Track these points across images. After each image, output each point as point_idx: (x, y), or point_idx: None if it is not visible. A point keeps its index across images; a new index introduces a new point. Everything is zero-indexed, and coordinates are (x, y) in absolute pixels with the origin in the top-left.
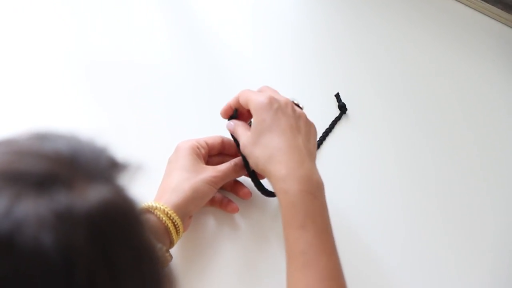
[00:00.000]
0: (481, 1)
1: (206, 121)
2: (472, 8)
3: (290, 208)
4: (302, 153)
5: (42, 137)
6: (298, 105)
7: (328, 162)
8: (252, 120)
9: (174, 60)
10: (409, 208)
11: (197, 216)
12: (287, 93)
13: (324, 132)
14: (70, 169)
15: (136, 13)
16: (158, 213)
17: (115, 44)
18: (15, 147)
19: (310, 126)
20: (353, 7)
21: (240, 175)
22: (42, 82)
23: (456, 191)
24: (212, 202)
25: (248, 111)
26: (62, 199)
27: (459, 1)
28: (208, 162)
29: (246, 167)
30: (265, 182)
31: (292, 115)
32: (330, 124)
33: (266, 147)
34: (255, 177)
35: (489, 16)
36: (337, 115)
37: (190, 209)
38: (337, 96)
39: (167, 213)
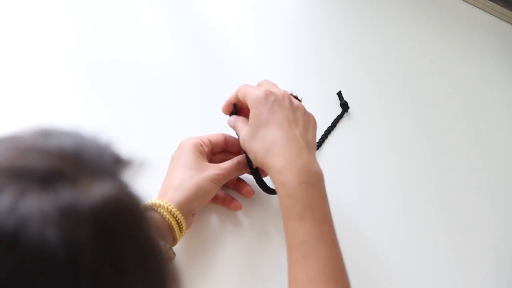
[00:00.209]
0: None
1: (208, 119)
2: (474, 5)
3: (288, 200)
4: (299, 144)
5: (46, 134)
6: (296, 97)
7: (330, 160)
8: (250, 115)
9: (177, 58)
10: (410, 206)
11: (200, 213)
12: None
13: (326, 130)
14: (74, 166)
15: (138, 12)
16: (161, 210)
17: (119, 43)
18: (19, 143)
19: (308, 117)
20: (355, 5)
21: (243, 173)
22: (46, 80)
23: (457, 189)
24: (215, 199)
25: (248, 106)
26: (66, 196)
27: None
28: (211, 160)
29: (249, 165)
30: (267, 180)
31: (289, 107)
32: (332, 122)
33: (264, 141)
34: (258, 174)
35: (490, 14)
36: (339, 113)
37: (193, 207)
38: (339, 94)
39: (171, 210)
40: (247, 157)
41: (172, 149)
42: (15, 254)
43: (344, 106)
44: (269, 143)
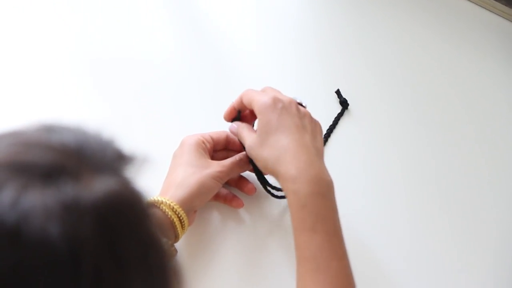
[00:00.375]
0: None
1: (210, 116)
2: (474, 3)
3: (300, 210)
4: (310, 152)
5: (49, 129)
6: (301, 104)
7: (333, 158)
8: (257, 122)
9: (179, 56)
10: (412, 203)
11: (201, 211)
12: (290, 89)
13: (328, 129)
14: (77, 161)
15: (142, 10)
16: (164, 207)
17: (122, 41)
18: (22, 138)
19: (315, 124)
20: (356, 4)
21: (245, 170)
22: (49, 77)
23: (458, 184)
24: (217, 197)
25: (252, 112)
26: (68, 191)
27: None
28: (212, 157)
29: (252, 165)
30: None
31: (297, 114)
32: (334, 121)
33: (274, 148)
34: (261, 175)
35: (491, 12)
36: (339, 111)
37: (196, 204)
38: (338, 92)
39: (173, 207)
40: (252, 163)
41: (174, 146)
42: (17, 248)
43: (344, 104)
44: (280, 151)
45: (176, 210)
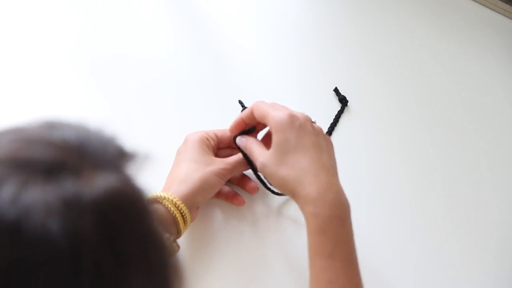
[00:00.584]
0: None
1: (211, 114)
2: (476, 1)
3: (319, 234)
4: (329, 173)
5: (50, 126)
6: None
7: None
8: (272, 138)
9: (180, 54)
10: (413, 199)
11: (203, 208)
12: (290, 87)
13: (329, 127)
14: (78, 157)
15: (142, 9)
16: (166, 203)
17: (124, 38)
18: (23, 135)
19: (328, 141)
20: (356, 2)
21: (248, 169)
22: (51, 74)
23: (460, 179)
24: (219, 194)
25: (262, 126)
26: (69, 187)
27: None
28: (216, 155)
29: (250, 165)
30: None
31: (313, 132)
32: (334, 118)
33: (293, 168)
34: (261, 178)
35: (493, 10)
36: (339, 109)
37: (198, 200)
38: (336, 90)
39: (175, 203)
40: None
41: (175, 143)
42: (17, 244)
43: (343, 101)
44: (299, 172)
45: (178, 206)
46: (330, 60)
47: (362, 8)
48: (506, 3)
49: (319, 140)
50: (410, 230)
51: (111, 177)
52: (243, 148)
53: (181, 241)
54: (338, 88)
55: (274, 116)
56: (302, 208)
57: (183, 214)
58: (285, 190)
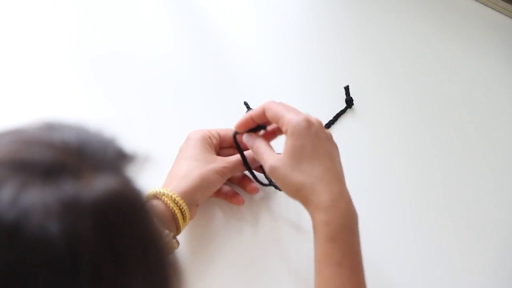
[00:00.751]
0: None
1: (212, 114)
2: (477, 1)
3: (328, 242)
4: (341, 182)
5: (50, 127)
6: None
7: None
8: (286, 141)
9: (180, 54)
10: (414, 200)
11: (203, 206)
12: (291, 87)
13: (326, 124)
14: (77, 159)
15: (142, 8)
16: (166, 199)
17: (123, 37)
18: (23, 136)
19: (336, 148)
20: (358, 1)
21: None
22: (51, 74)
23: (462, 184)
24: (218, 193)
25: (275, 128)
26: (68, 189)
27: None
28: (218, 154)
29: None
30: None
31: (327, 138)
32: (334, 117)
33: (307, 175)
34: (251, 169)
35: (494, 9)
36: (342, 108)
37: (198, 197)
38: (346, 88)
39: (175, 199)
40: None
41: (176, 143)
42: (16, 245)
43: (349, 102)
44: (313, 179)
45: (178, 202)
46: (331, 60)
47: (363, 8)
48: (507, 2)
49: (332, 148)
50: (410, 229)
51: (111, 179)
52: (249, 147)
53: (180, 240)
54: (338, 87)
55: (291, 120)
56: (312, 215)
57: (182, 210)
58: (296, 195)
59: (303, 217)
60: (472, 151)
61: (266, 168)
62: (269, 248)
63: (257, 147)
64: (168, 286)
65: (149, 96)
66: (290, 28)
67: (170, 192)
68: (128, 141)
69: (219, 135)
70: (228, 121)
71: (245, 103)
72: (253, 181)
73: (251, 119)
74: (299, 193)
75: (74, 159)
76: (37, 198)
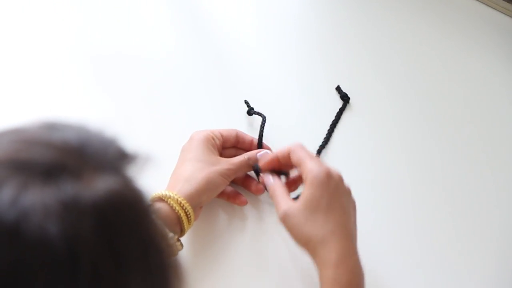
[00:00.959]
0: None
1: (213, 114)
2: (478, 0)
3: None
4: (353, 240)
5: (51, 127)
6: None
7: (337, 153)
8: (304, 190)
9: (182, 53)
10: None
11: (207, 207)
12: (292, 86)
13: (331, 124)
14: (78, 159)
15: (143, 8)
16: (171, 202)
17: (125, 37)
18: (23, 136)
19: (354, 204)
20: (359, 0)
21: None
22: (52, 74)
23: (462, 178)
24: (221, 194)
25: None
26: (68, 189)
27: None
28: (221, 154)
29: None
30: None
31: (345, 193)
32: (336, 116)
33: (320, 228)
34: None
35: (494, 9)
36: (340, 106)
37: (202, 200)
38: (338, 88)
39: (180, 202)
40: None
41: (178, 143)
42: (15, 246)
43: (344, 98)
44: (325, 233)
45: (183, 205)
46: (332, 58)
47: (364, 7)
48: (508, 2)
49: (348, 204)
50: (411, 227)
51: (111, 180)
52: (267, 186)
53: (184, 241)
54: (340, 86)
55: (312, 169)
56: (320, 269)
57: (188, 213)
58: (305, 246)
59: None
60: (472, 148)
61: (279, 213)
62: (272, 249)
63: (273, 189)
64: (168, 287)
65: (150, 96)
66: (291, 28)
67: (175, 195)
68: (129, 141)
69: (221, 135)
70: (230, 121)
71: (246, 102)
72: (258, 181)
73: (277, 159)
74: (308, 245)
75: (75, 159)
76: (37, 198)
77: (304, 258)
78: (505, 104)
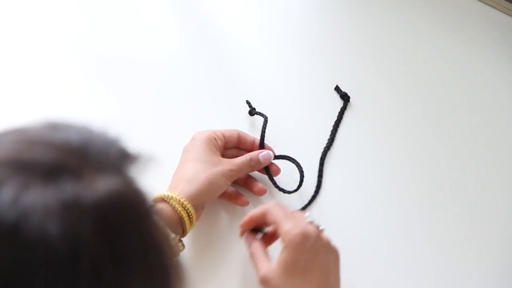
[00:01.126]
0: None
1: (215, 114)
2: (480, 0)
3: None
4: None
5: (53, 127)
6: (318, 227)
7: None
8: (281, 253)
9: (184, 54)
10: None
11: (208, 207)
12: (293, 86)
13: (334, 125)
14: (80, 159)
15: (146, 9)
16: (173, 203)
17: (127, 39)
18: (25, 136)
19: (335, 255)
20: (361, 0)
21: (254, 170)
22: (54, 74)
23: (463, 177)
24: (223, 194)
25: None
26: (69, 189)
27: None
28: (223, 155)
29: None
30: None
31: (323, 250)
32: (338, 116)
33: None
34: (270, 174)
35: (497, 9)
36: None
37: (204, 200)
38: (337, 88)
39: (182, 203)
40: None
41: (180, 144)
42: (15, 246)
43: (344, 97)
44: None
45: (185, 206)
46: (333, 58)
47: (366, 7)
48: (509, 2)
49: (328, 259)
50: (414, 226)
51: (113, 180)
52: (247, 247)
53: (185, 241)
54: (339, 86)
55: (288, 232)
56: None
57: (189, 214)
58: None
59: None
60: (474, 147)
61: (259, 276)
62: (274, 249)
63: (252, 252)
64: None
65: (152, 96)
66: (292, 28)
67: (177, 195)
68: (132, 142)
69: (223, 136)
70: (231, 122)
71: (247, 102)
72: (259, 182)
73: (251, 220)
74: None
75: (76, 160)
76: (38, 198)
77: None
78: (506, 103)
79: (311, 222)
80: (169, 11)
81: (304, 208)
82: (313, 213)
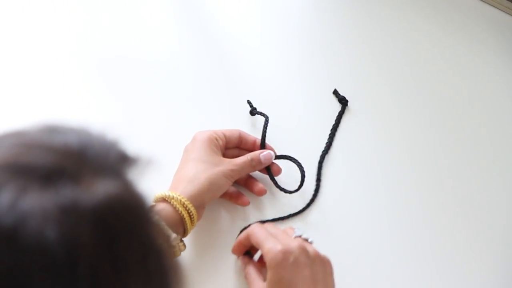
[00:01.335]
0: None
1: (215, 114)
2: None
3: None
4: None
5: (52, 130)
6: (307, 240)
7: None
8: (267, 273)
9: (183, 53)
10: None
11: (209, 207)
12: (293, 86)
13: (332, 129)
14: (78, 163)
15: (147, 10)
16: (174, 202)
17: (127, 40)
18: (24, 139)
19: (325, 265)
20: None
21: (255, 170)
22: (53, 76)
23: (466, 179)
24: (224, 194)
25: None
26: (68, 193)
27: None
28: (224, 155)
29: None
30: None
31: (308, 263)
32: (336, 120)
33: None
34: (271, 174)
35: (498, 9)
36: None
37: (205, 200)
38: (335, 92)
39: (183, 203)
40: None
41: (181, 144)
42: (13, 250)
43: (342, 101)
44: None
45: (186, 206)
46: (334, 58)
47: (367, 7)
48: (511, 1)
49: (314, 271)
50: (415, 226)
51: (111, 184)
52: (242, 269)
53: (186, 241)
54: (339, 86)
55: (269, 251)
56: None
57: (191, 214)
58: None
59: (308, 218)
60: (474, 148)
61: None
62: None
63: (246, 273)
64: None
65: (153, 96)
66: (293, 28)
67: (178, 195)
68: (132, 142)
69: (224, 135)
70: (232, 122)
71: (248, 102)
72: (260, 182)
73: (241, 244)
74: None
75: (75, 163)
76: (36, 202)
77: None
78: (508, 103)
79: (299, 236)
80: (170, 11)
81: (302, 211)
82: (300, 226)
